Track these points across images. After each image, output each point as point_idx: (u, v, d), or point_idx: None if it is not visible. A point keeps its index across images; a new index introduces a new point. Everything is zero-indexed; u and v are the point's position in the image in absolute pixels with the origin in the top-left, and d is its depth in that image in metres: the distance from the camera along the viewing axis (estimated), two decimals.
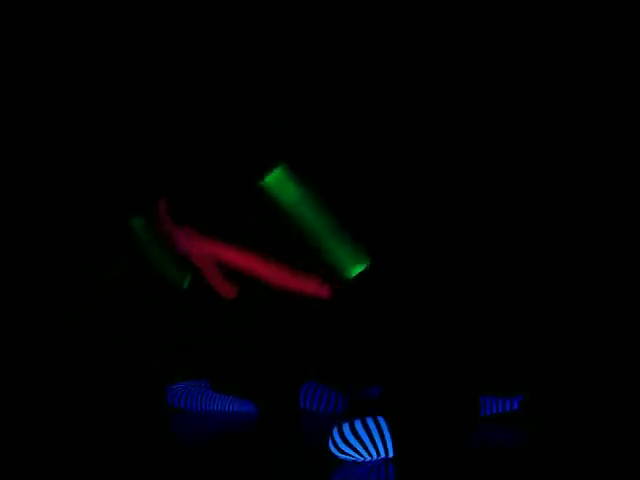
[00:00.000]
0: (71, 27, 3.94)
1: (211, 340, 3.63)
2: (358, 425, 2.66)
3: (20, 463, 2.71)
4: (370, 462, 2.66)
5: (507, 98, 3.69)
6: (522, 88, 3.68)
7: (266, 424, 3.41)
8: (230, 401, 3.53)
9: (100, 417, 3.45)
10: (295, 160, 3.37)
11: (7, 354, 4.04)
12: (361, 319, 3.21)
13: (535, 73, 3.67)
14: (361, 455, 2.66)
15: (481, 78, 3.67)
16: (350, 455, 2.66)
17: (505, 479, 2.57)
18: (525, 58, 3.66)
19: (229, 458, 2.85)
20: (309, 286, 2.92)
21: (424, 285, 3.20)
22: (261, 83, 3.65)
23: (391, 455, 2.67)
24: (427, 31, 3.69)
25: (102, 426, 3.29)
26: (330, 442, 2.66)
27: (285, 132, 3.41)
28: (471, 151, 3.45)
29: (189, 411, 3.55)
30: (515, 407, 3.28)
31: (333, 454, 2.67)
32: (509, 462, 2.75)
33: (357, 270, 2.87)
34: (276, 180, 2.83)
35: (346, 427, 2.66)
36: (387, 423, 2.67)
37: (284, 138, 3.44)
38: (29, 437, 3.09)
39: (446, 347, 2.83)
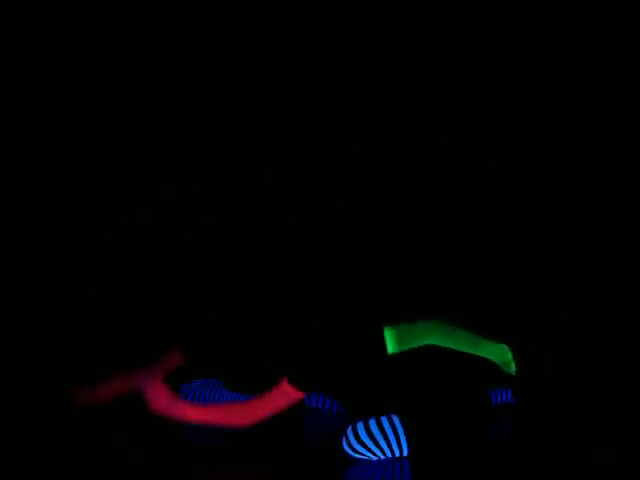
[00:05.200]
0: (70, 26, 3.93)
1: (224, 340, 3.64)
2: (372, 425, 2.67)
3: (34, 463, 2.72)
4: (383, 460, 2.68)
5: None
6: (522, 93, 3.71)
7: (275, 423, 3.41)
8: (242, 399, 3.53)
9: (109, 417, 3.44)
10: None
11: (10, 355, 4.01)
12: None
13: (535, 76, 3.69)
14: (375, 454, 2.68)
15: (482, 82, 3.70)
16: (363, 455, 2.67)
17: (511, 473, 2.59)
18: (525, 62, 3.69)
19: (237, 455, 2.85)
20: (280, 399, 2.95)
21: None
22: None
23: (405, 454, 2.68)
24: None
25: (112, 426, 3.29)
26: (344, 442, 2.67)
27: None
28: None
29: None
30: (509, 399, 3.30)
31: (347, 453, 2.67)
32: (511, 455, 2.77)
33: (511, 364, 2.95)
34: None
35: (360, 427, 2.67)
36: (401, 422, 2.68)
37: None
38: (37, 440, 3.09)
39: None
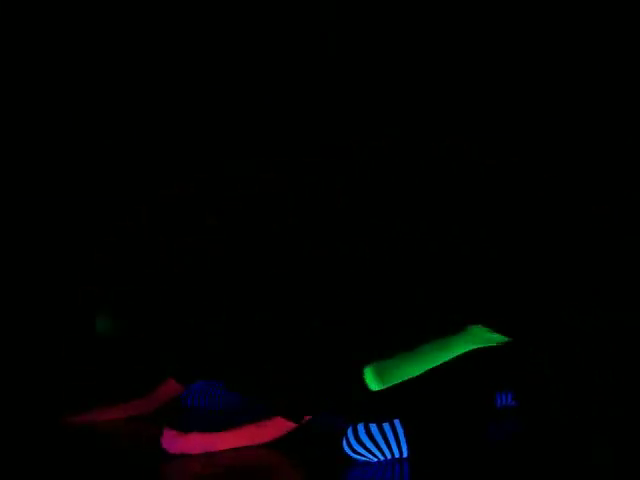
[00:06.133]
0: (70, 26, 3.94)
1: (225, 341, 3.64)
2: (372, 425, 2.67)
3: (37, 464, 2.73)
4: (383, 461, 2.68)
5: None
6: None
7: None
8: (244, 401, 3.54)
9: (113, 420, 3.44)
10: None
11: (10, 355, 4.02)
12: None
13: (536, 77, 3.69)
14: (374, 456, 2.68)
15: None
16: (363, 456, 2.68)
17: (511, 473, 2.59)
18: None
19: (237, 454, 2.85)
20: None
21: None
22: None
23: (405, 455, 2.69)
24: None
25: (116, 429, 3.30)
26: (344, 442, 2.67)
27: None
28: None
29: (204, 410, 3.56)
30: (510, 401, 3.31)
31: (346, 454, 2.68)
32: (513, 456, 2.77)
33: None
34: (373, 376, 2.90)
35: (361, 428, 2.67)
36: (402, 425, 2.68)
37: None
38: (40, 442, 3.09)
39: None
